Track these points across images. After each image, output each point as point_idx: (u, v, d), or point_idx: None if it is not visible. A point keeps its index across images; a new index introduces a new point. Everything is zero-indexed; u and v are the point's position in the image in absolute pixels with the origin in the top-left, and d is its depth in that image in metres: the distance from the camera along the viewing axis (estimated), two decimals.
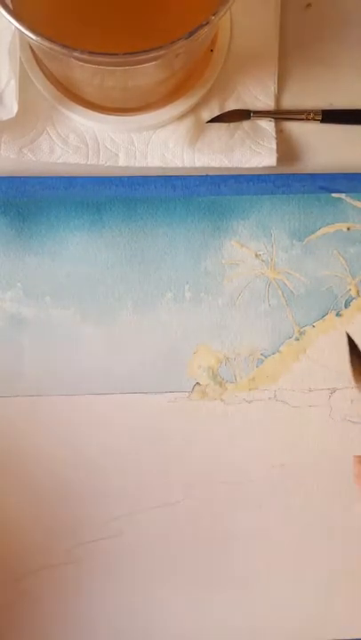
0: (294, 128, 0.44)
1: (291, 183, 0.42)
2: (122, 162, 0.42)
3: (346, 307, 0.43)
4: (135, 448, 0.42)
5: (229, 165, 0.42)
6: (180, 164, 0.42)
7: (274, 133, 0.42)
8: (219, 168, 0.42)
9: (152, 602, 0.42)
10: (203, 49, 0.40)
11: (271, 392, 0.42)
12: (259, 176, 0.42)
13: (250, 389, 0.42)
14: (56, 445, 0.42)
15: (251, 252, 0.42)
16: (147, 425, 0.42)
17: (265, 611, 0.43)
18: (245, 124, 0.43)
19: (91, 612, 0.42)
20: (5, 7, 0.32)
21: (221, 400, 0.42)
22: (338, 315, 0.43)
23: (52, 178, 0.42)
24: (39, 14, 0.35)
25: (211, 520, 0.42)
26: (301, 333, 0.43)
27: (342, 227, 0.43)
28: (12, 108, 0.40)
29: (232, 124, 0.42)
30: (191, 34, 0.31)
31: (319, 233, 0.43)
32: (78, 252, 0.42)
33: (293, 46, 0.43)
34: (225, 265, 0.42)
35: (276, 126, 0.43)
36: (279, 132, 0.43)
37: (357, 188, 0.43)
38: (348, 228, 0.43)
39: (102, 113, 0.42)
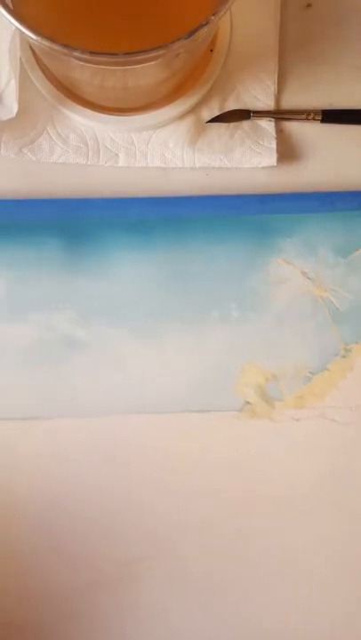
0: (294, 128, 0.44)
1: (335, 201, 0.42)
2: (122, 162, 0.42)
3: None
4: (184, 466, 0.42)
5: (229, 165, 0.42)
6: (180, 165, 0.42)
7: (274, 133, 0.42)
8: (220, 168, 0.42)
9: (199, 621, 0.42)
10: (203, 49, 0.40)
11: (319, 410, 0.42)
12: (304, 195, 0.43)
13: (297, 407, 0.42)
14: (108, 464, 0.42)
15: (297, 269, 0.42)
16: (196, 443, 0.42)
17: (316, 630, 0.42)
18: (245, 124, 0.43)
19: (145, 628, 0.42)
20: (5, 7, 0.32)
21: (269, 418, 0.42)
22: None
23: (102, 200, 0.42)
24: (39, 14, 0.35)
25: (259, 538, 0.42)
26: (348, 350, 0.43)
27: None
28: (12, 108, 0.40)
29: (232, 124, 0.42)
30: (191, 34, 0.31)
31: None
32: (129, 272, 0.42)
33: (293, 46, 0.43)
34: (271, 283, 0.43)
35: (276, 126, 0.43)
36: (279, 131, 0.43)
37: None
38: None
39: (102, 113, 0.42)
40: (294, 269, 0.42)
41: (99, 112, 0.42)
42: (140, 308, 0.42)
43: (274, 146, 0.42)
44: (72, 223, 0.42)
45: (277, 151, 0.42)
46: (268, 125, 0.43)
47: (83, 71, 0.35)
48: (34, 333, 0.42)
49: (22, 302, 0.42)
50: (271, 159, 0.42)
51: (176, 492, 0.42)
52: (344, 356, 0.43)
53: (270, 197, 0.42)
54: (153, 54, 0.31)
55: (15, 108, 0.40)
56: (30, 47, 0.41)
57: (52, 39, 0.31)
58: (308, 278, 0.42)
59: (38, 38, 0.31)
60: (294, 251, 0.43)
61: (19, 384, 0.42)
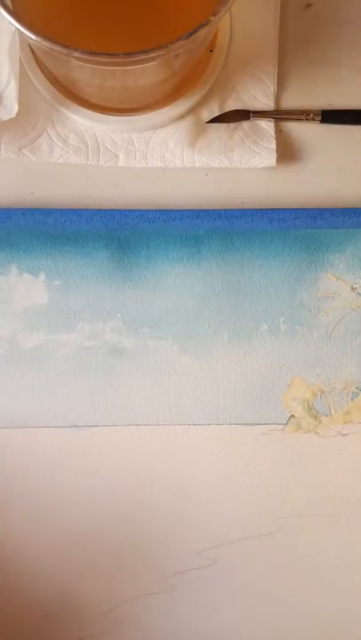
0: (294, 128, 0.44)
1: None
2: (122, 162, 0.42)
3: None
4: (229, 479, 0.42)
5: (229, 166, 0.42)
6: (179, 165, 0.42)
7: (273, 133, 0.42)
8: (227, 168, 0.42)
9: (243, 632, 0.43)
10: (203, 49, 0.40)
11: None
12: (355, 210, 0.43)
13: (344, 423, 0.42)
14: (152, 473, 0.42)
15: (347, 285, 0.43)
16: (241, 456, 0.42)
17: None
18: (245, 125, 0.43)
19: None
20: (5, 7, 0.32)
21: (316, 433, 0.42)
22: None
23: (152, 211, 0.42)
24: (39, 14, 0.35)
25: (304, 553, 0.42)
26: None
27: None
28: (12, 108, 0.40)
29: (232, 125, 0.42)
30: (191, 34, 0.31)
31: None
32: (176, 283, 0.43)
33: (293, 46, 0.43)
34: (320, 298, 0.43)
35: (276, 126, 0.43)
36: (279, 132, 0.43)
37: None
38: None
39: (102, 113, 0.42)
40: (344, 284, 0.43)
41: (99, 112, 0.42)
42: (187, 319, 0.43)
43: (273, 146, 0.42)
44: (121, 233, 0.42)
45: (277, 151, 0.42)
46: (267, 126, 0.43)
47: (83, 71, 0.35)
48: (81, 342, 0.42)
49: (69, 311, 0.42)
50: (271, 159, 0.42)
51: (222, 504, 0.42)
52: None
53: (321, 211, 0.43)
54: (153, 54, 0.31)
55: (15, 109, 0.40)
56: (30, 47, 0.41)
57: (52, 39, 0.31)
58: (358, 294, 0.43)
59: (38, 38, 0.31)
60: (344, 266, 0.43)
61: (65, 393, 0.42)
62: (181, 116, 0.42)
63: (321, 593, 0.42)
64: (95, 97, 0.41)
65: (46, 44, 0.31)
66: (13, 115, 0.40)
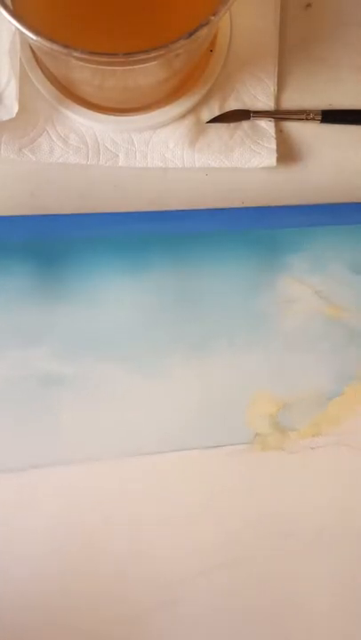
0: (294, 128, 0.44)
1: (348, 213, 0.39)
2: (122, 162, 0.42)
3: None
4: (194, 506, 0.39)
5: (229, 166, 0.42)
6: (180, 165, 0.42)
7: (274, 133, 0.42)
8: (220, 167, 0.42)
9: None
10: (203, 49, 0.40)
11: (336, 437, 0.39)
12: (313, 206, 0.39)
13: (313, 436, 0.39)
14: (104, 514, 0.38)
15: (308, 288, 0.39)
16: (206, 481, 0.38)
17: None
18: (245, 124, 0.43)
19: None
20: (5, 7, 0.32)
21: (283, 449, 0.39)
22: None
23: (81, 215, 0.38)
24: (39, 14, 0.35)
25: (279, 575, 0.39)
26: None
27: None
28: (12, 108, 0.40)
29: (232, 124, 0.42)
30: (191, 34, 0.31)
31: None
32: (118, 297, 0.38)
33: (293, 46, 0.43)
34: (280, 303, 0.39)
35: (276, 126, 0.43)
36: (279, 132, 0.43)
37: None
38: None
39: (102, 113, 0.42)
40: (305, 288, 0.39)
41: (99, 112, 0.42)
42: (133, 336, 0.38)
43: (274, 146, 0.42)
44: (43, 242, 0.37)
45: (277, 151, 0.42)
46: (267, 125, 0.43)
47: (83, 71, 0.35)
48: (6, 372, 0.37)
49: None
50: (271, 159, 0.42)
51: (186, 535, 0.38)
52: None
53: (275, 210, 0.39)
54: (153, 54, 0.31)
55: (15, 108, 0.40)
56: (30, 47, 0.41)
57: (52, 39, 0.31)
58: (321, 297, 0.39)
59: (38, 38, 0.31)
60: (305, 268, 0.39)
61: None
62: (181, 116, 0.42)
63: (293, 616, 0.38)
64: (95, 97, 0.41)
65: (47, 44, 0.31)
66: (13, 115, 0.40)
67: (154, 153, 0.42)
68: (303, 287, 0.39)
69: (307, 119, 0.43)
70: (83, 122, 0.42)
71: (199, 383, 0.39)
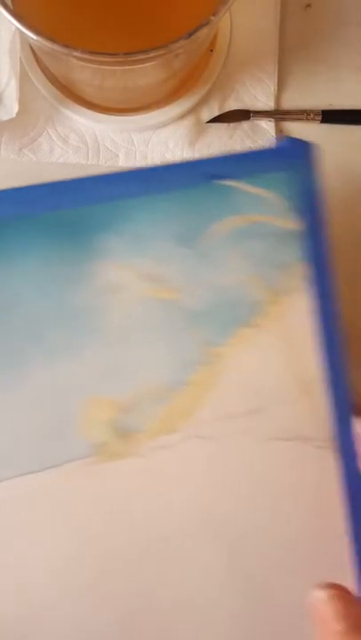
0: (294, 128, 0.44)
1: (167, 177, 0.32)
2: (122, 162, 0.42)
3: (259, 315, 0.34)
4: (37, 539, 0.33)
5: None
6: None
7: (273, 133, 0.43)
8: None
9: None
10: (203, 49, 0.40)
11: (189, 430, 0.34)
12: (121, 174, 0.32)
13: (166, 433, 0.33)
14: None
15: (132, 272, 0.33)
16: (45, 509, 0.33)
17: None
18: (245, 125, 0.43)
19: None
20: (5, 7, 0.32)
21: (132, 454, 0.33)
22: (251, 325, 0.34)
23: None
24: (39, 14, 0.35)
25: (151, 587, 0.33)
26: (212, 356, 0.34)
27: (239, 221, 0.33)
28: (12, 108, 0.40)
29: (232, 124, 0.43)
30: (191, 34, 0.31)
31: (212, 234, 0.33)
32: None
33: (293, 46, 0.44)
34: (102, 295, 0.33)
35: (276, 126, 0.43)
36: (279, 132, 0.43)
37: (251, 171, 0.32)
38: (247, 222, 0.33)
39: (102, 113, 0.42)
40: (128, 272, 0.33)
41: (99, 112, 0.42)
42: None
43: (273, 146, 0.42)
44: None
45: None
46: (267, 125, 0.43)
47: (83, 71, 0.35)
48: None
49: None
50: None
51: (25, 569, 0.32)
52: (209, 363, 0.34)
53: (73, 184, 0.31)
54: (153, 54, 0.31)
55: (15, 108, 0.40)
56: (30, 47, 0.41)
57: (52, 39, 0.31)
58: (148, 280, 0.33)
59: (38, 38, 0.31)
60: (125, 248, 0.33)
61: None
62: (181, 116, 0.42)
63: (181, 623, 0.33)
64: (95, 97, 0.41)
65: (47, 43, 0.31)
66: (14, 114, 0.40)
67: (154, 153, 0.42)
68: (126, 272, 0.33)
69: (307, 119, 0.43)
70: (83, 122, 0.42)
71: (15, 402, 0.32)
